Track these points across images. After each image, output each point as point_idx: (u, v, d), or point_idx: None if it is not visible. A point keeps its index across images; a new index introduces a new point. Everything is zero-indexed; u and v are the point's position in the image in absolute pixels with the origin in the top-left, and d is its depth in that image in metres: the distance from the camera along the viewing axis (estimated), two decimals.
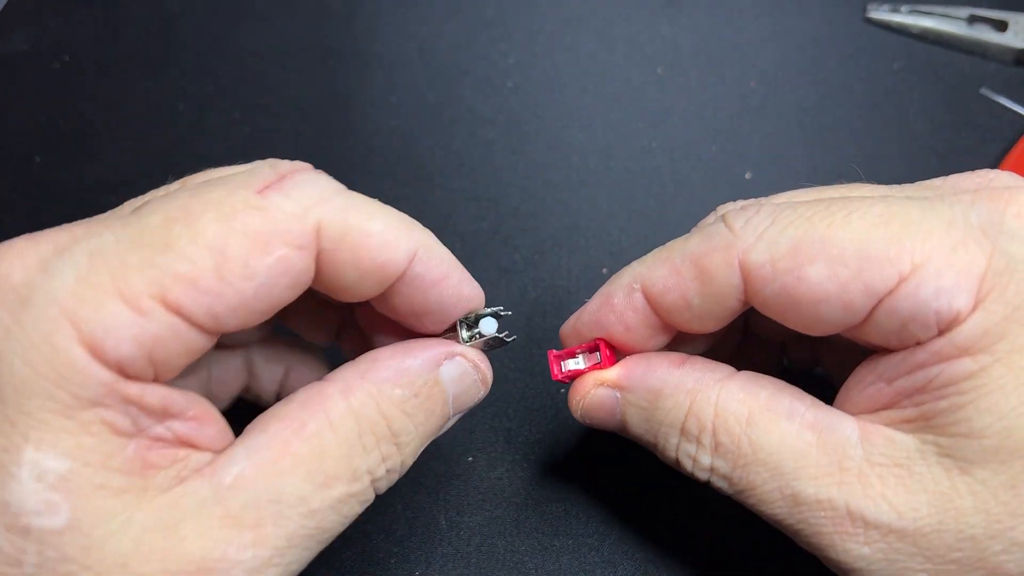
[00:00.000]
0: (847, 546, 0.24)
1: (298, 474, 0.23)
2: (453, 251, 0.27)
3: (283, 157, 0.45)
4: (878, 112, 0.46)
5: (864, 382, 0.25)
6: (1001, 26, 0.47)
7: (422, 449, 0.27)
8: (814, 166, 0.44)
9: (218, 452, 0.23)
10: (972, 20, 0.47)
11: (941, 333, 0.23)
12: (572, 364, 0.29)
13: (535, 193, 0.44)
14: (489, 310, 0.28)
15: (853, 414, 0.25)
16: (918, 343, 0.23)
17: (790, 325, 0.25)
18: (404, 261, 0.24)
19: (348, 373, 0.25)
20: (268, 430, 0.24)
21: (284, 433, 0.23)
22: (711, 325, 0.27)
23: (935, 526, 0.23)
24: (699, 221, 0.42)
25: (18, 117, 0.48)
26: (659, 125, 0.46)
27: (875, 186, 0.27)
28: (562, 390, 0.38)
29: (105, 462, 0.21)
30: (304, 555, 0.24)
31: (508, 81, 0.48)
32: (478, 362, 0.27)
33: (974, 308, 0.22)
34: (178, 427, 0.22)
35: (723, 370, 0.27)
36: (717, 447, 0.26)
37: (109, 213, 0.25)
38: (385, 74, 0.48)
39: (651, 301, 0.27)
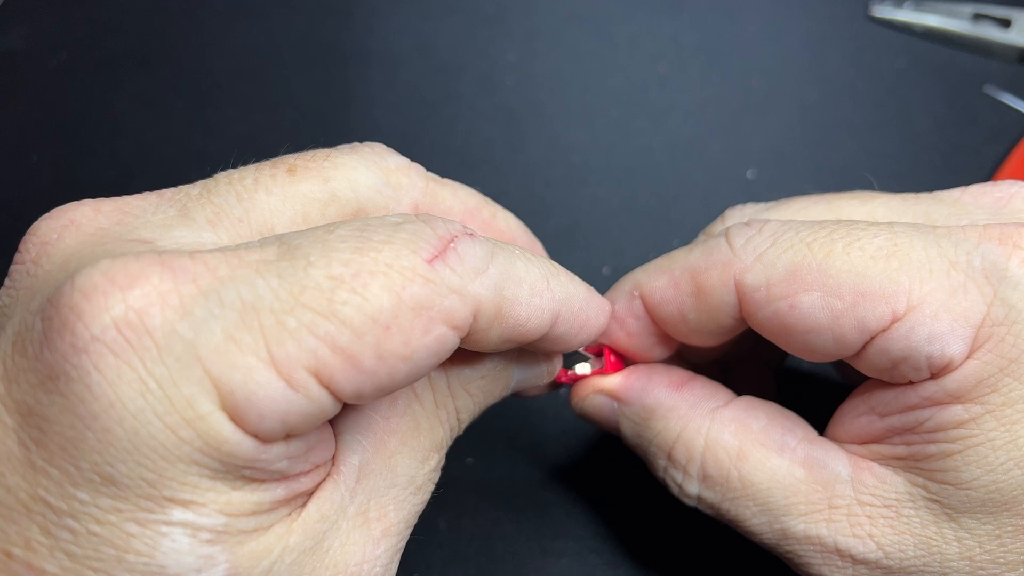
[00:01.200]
0: None
1: (404, 452, 0.23)
2: None
3: (280, 155, 0.45)
4: (881, 110, 0.45)
5: (857, 411, 0.25)
6: (1005, 24, 0.47)
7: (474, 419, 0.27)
8: (817, 164, 0.44)
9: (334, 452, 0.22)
10: (976, 18, 0.47)
11: (934, 377, 0.22)
12: (579, 368, 0.29)
13: (535, 192, 0.44)
14: None
15: (844, 441, 0.25)
16: (910, 383, 0.23)
17: (783, 348, 0.25)
18: (547, 326, 0.23)
19: None
20: (364, 410, 0.23)
21: (382, 408, 0.23)
22: (709, 340, 0.27)
23: (920, 568, 0.23)
24: (699, 218, 0.42)
25: (15, 115, 0.47)
26: (660, 123, 0.46)
27: (889, 197, 0.26)
28: (562, 391, 0.37)
29: (256, 509, 0.19)
30: (409, 534, 0.24)
31: (508, 79, 0.48)
32: (553, 359, 0.27)
33: (968, 356, 0.22)
34: (315, 457, 0.21)
35: (720, 397, 0.27)
36: (705, 479, 0.26)
37: (185, 198, 0.22)
38: (384, 71, 0.48)
39: (649, 310, 0.27)
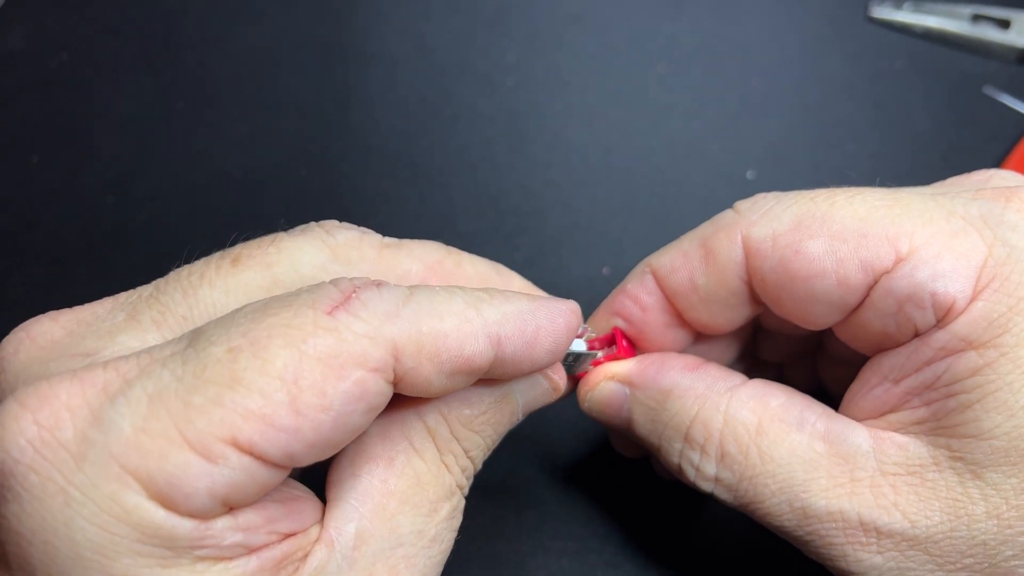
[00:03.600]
0: (859, 556, 0.24)
1: (406, 511, 0.23)
2: None
3: (281, 156, 0.46)
4: (880, 111, 0.45)
5: (870, 384, 0.25)
6: (1004, 25, 0.47)
7: (491, 452, 0.26)
8: (816, 165, 0.44)
9: (320, 520, 0.22)
10: (975, 19, 0.47)
11: (942, 324, 0.22)
12: (590, 357, 0.29)
13: (535, 192, 0.44)
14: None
15: (861, 418, 0.25)
16: (917, 334, 0.23)
17: (786, 313, 0.25)
18: (489, 348, 0.22)
19: None
20: (360, 475, 0.23)
21: (378, 472, 0.23)
22: (718, 315, 0.27)
23: (947, 533, 0.23)
24: (699, 218, 0.42)
25: (16, 116, 0.47)
26: (660, 124, 0.46)
27: (877, 188, 0.27)
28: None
29: None
30: None
31: (508, 79, 0.48)
32: (549, 372, 0.27)
33: (974, 298, 0.22)
34: (281, 526, 0.21)
35: (736, 377, 0.27)
36: (723, 457, 0.26)
37: (137, 301, 0.23)
38: (385, 72, 0.48)
39: (660, 284, 0.28)
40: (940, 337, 0.23)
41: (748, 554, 0.33)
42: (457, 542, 0.34)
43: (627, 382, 0.28)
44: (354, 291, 0.21)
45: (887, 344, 0.24)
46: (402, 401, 0.24)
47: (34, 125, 0.47)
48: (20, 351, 0.22)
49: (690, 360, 0.28)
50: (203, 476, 0.18)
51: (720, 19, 0.49)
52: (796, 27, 0.48)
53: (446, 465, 0.24)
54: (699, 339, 0.30)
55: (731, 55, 0.48)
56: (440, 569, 0.24)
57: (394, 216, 0.43)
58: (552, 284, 0.41)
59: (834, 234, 0.23)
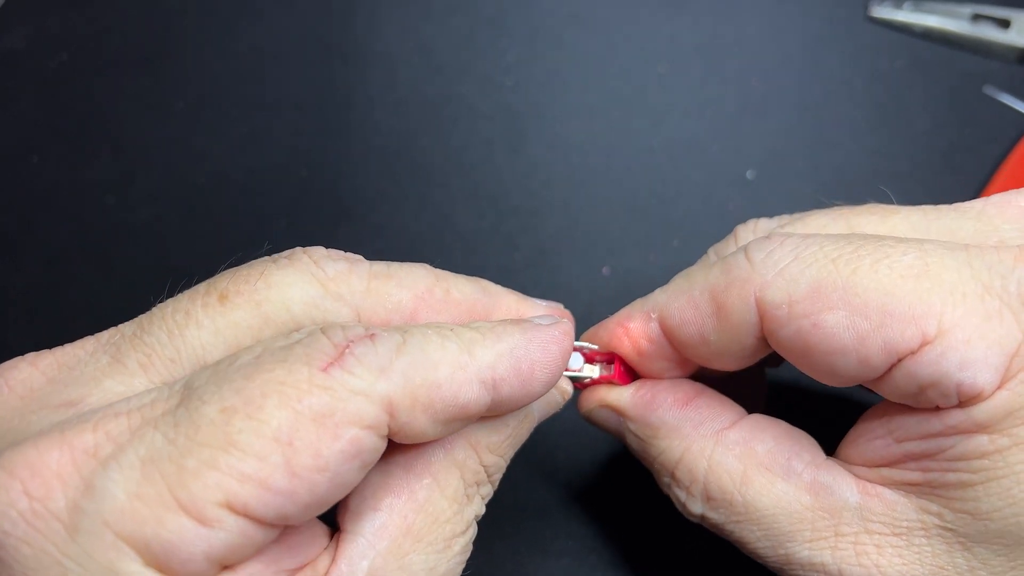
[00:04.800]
0: None
1: (421, 548, 0.22)
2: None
3: (281, 156, 0.45)
4: (880, 111, 0.45)
5: (872, 433, 0.24)
6: (1004, 24, 0.47)
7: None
8: (816, 165, 0.44)
9: (327, 548, 0.22)
10: (975, 18, 0.47)
11: (961, 405, 0.21)
12: (588, 369, 0.29)
13: (535, 192, 0.44)
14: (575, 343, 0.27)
15: (855, 463, 0.24)
16: (936, 408, 0.22)
17: (805, 371, 0.24)
18: (484, 393, 0.22)
19: None
20: (380, 508, 0.22)
21: (399, 507, 0.22)
22: (730, 364, 0.26)
23: None
24: (699, 218, 0.42)
25: (15, 115, 0.47)
26: (660, 123, 0.46)
27: (909, 211, 0.25)
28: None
29: None
30: None
31: (508, 79, 0.48)
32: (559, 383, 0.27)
33: (1000, 386, 0.21)
34: (287, 564, 0.21)
35: (727, 416, 0.26)
36: (708, 500, 0.25)
37: (120, 341, 0.22)
38: (384, 72, 0.48)
39: (668, 333, 0.26)
40: (955, 415, 0.21)
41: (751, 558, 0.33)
42: None
43: (619, 412, 0.28)
44: (348, 345, 0.20)
45: (905, 403, 0.23)
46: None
47: (34, 125, 0.47)
48: None
49: (681, 394, 0.27)
50: (199, 541, 0.18)
51: (720, 19, 0.49)
52: (796, 27, 0.48)
53: (468, 496, 0.24)
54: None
55: (731, 55, 0.48)
56: None
57: (394, 216, 0.43)
58: (552, 284, 0.41)
59: (855, 308, 0.21)
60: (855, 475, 0.24)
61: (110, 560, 0.18)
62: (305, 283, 0.23)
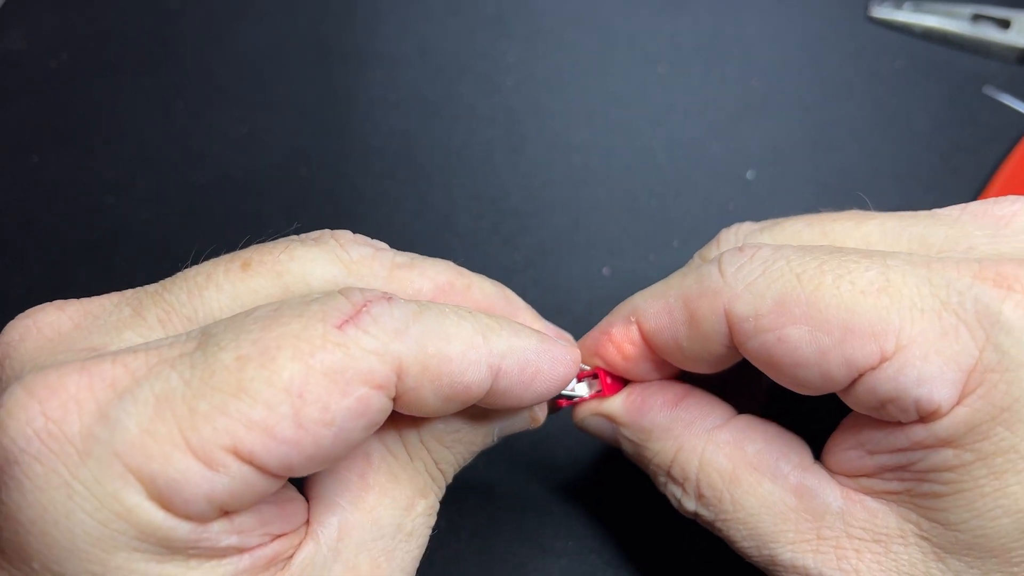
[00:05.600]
0: None
1: (385, 503, 0.23)
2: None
3: (281, 156, 0.45)
4: (880, 111, 0.45)
5: (846, 444, 0.24)
6: (1004, 25, 0.47)
7: (462, 467, 0.27)
8: (816, 165, 0.44)
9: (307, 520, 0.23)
10: (975, 19, 0.47)
11: (923, 421, 0.22)
12: (577, 389, 0.29)
13: (535, 192, 0.44)
14: None
15: (836, 472, 0.25)
16: (899, 423, 0.22)
17: (774, 379, 0.24)
18: (488, 378, 0.22)
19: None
20: (338, 471, 0.23)
21: (356, 468, 0.23)
22: (705, 368, 0.26)
23: None
24: (699, 218, 0.42)
25: (15, 116, 0.47)
26: (660, 124, 0.46)
27: (884, 218, 0.25)
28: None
29: None
30: None
31: (508, 79, 0.48)
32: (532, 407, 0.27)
33: (959, 402, 0.21)
34: (274, 528, 0.21)
35: (717, 415, 0.27)
36: (700, 498, 0.26)
37: (143, 296, 0.23)
38: (385, 72, 0.48)
39: (645, 337, 0.27)
40: (919, 431, 0.22)
41: None
42: (455, 542, 0.34)
43: (611, 419, 0.28)
44: (364, 304, 0.21)
45: (871, 416, 0.23)
46: None
47: (34, 124, 0.47)
48: (27, 339, 0.22)
49: (671, 393, 0.27)
50: (203, 483, 0.19)
51: (720, 19, 0.49)
52: (796, 27, 0.48)
53: (416, 469, 0.25)
54: None
55: (731, 55, 0.48)
56: (416, 564, 0.25)
57: (394, 216, 0.43)
58: (552, 284, 0.41)
59: (817, 324, 0.22)
60: (839, 482, 0.25)
61: (116, 489, 0.18)
62: (328, 262, 0.24)
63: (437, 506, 0.26)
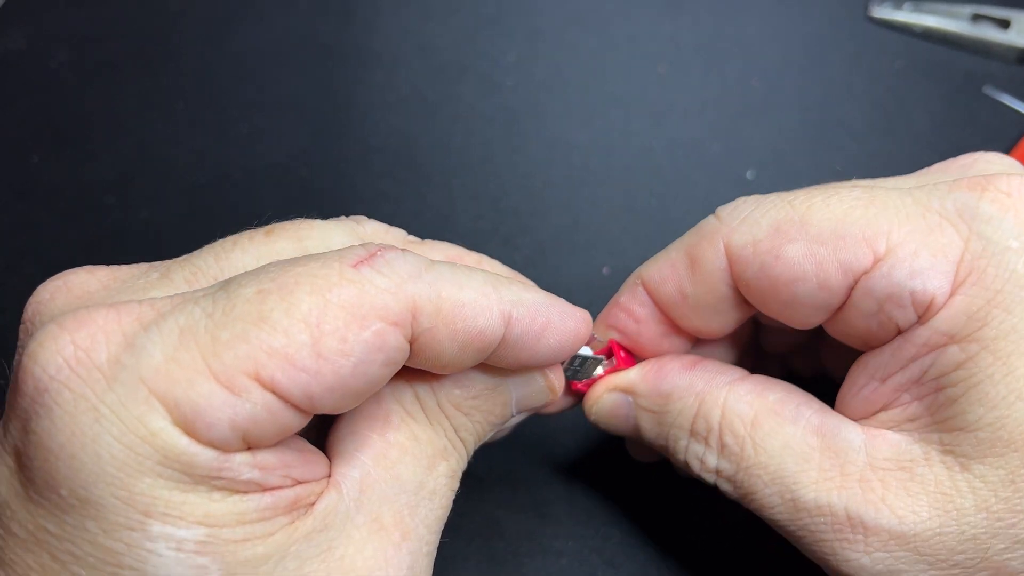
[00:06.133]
0: (847, 555, 0.24)
1: (407, 461, 0.24)
2: None
3: (281, 156, 0.46)
4: (880, 111, 0.45)
5: (858, 384, 0.25)
6: (1004, 24, 0.47)
7: (483, 441, 0.27)
8: (816, 165, 0.44)
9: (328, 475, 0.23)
10: (975, 19, 0.47)
11: (922, 320, 0.23)
12: (593, 371, 0.29)
13: (535, 192, 0.44)
14: None
15: (854, 419, 0.25)
16: (900, 331, 0.23)
17: (774, 314, 0.25)
18: (500, 325, 0.23)
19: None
20: (359, 430, 0.24)
21: (377, 427, 0.24)
22: (710, 321, 0.27)
23: (936, 530, 0.23)
24: (699, 218, 0.42)
25: (15, 116, 0.47)
26: (660, 124, 0.46)
27: (859, 181, 0.27)
28: None
29: (240, 520, 0.20)
30: (436, 540, 0.25)
31: (508, 79, 0.48)
32: (547, 371, 0.27)
33: (953, 293, 0.22)
34: (296, 473, 0.22)
35: (734, 372, 0.27)
36: (722, 448, 0.26)
37: (171, 264, 0.24)
38: (384, 72, 0.48)
39: (651, 296, 0.28)
40: (922, 333, 0.23)
41: (748, 555, 0.33)
42: (455, 542, 0.34)
43: (629, 391, 0.28)
44: (379, 250, 0.22)
45: (874, 342, 0.24)
46: (396, 374, 0.24)
47: (34, 125, 0.47)
48: (57, 297, 0.23)
49: (687, 359, 0.28)
50: (226, 407, 0.19)
51: (720, 19, 0.49)
52: (796, 27, 0.48)
53: (435, 432, 0.25)
54: (699, 342, 0.30)
55: (731, 55, 0.48)
56: (441, 525, 0.25)
57: (394, 216, 0.43)
58: (552, 284, 0.41)
59: (812, 237, 0.24)
60: (859, 423, 0.25)
61: (141, 412, 0.19)
62: (345, 234, 0.26)
63: (459, 474, 0.26)
